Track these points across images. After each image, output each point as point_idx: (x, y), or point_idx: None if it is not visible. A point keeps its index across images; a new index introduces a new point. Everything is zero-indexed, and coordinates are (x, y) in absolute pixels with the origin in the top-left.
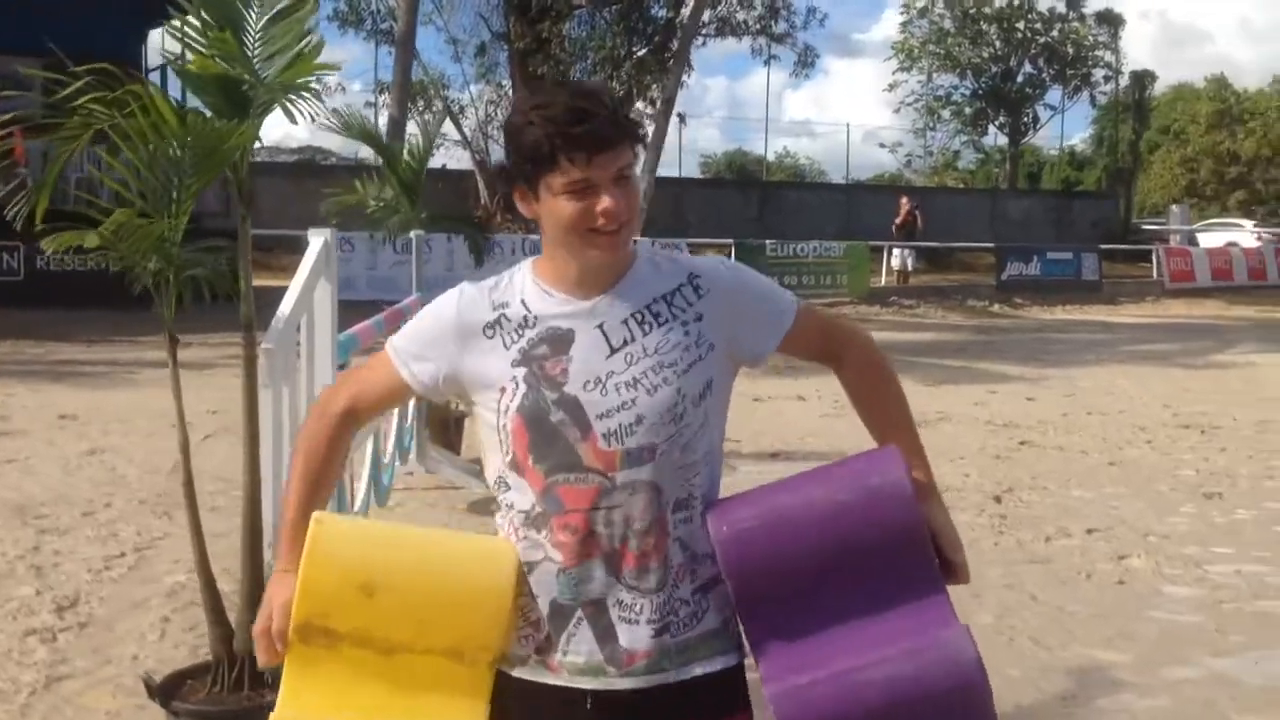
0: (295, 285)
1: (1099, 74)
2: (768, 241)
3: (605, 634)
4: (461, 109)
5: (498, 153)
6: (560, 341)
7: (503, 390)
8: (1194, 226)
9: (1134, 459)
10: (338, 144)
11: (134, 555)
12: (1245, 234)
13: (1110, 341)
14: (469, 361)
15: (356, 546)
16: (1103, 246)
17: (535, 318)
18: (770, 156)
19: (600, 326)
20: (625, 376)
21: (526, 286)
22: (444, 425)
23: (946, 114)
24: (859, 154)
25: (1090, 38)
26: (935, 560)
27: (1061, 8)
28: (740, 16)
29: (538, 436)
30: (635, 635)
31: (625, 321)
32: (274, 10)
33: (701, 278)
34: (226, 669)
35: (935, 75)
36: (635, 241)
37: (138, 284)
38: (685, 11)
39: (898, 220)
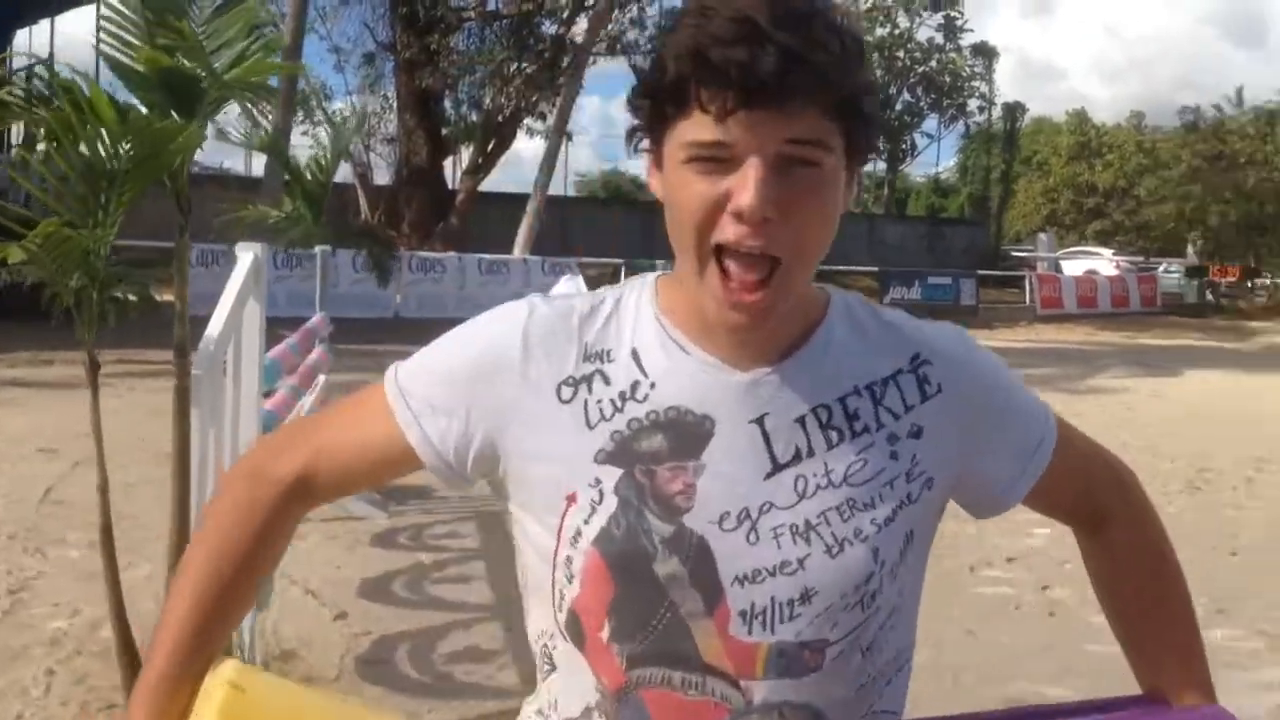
0: (224, 305)
1: (974, 104)
2: (658, 262)
3: None
4: (344, 119)
5: (380, 165)
6: (691, 437)
7: (572, 499)
8: (1057, 254)
9: None
10: (223, 155)
11: (7, 598)
12: (1104, 262)
13: None
14: (526, 436)
15: None
16: (980, 272)
17: (652, 385)
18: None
19: (760, 421)
20: (793, 517)
21: (644, 326)
22: None
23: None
24: None
25: (967, 69)
26: None
27: (940, 39)
28: (631, 36)
29: (628, 594)
30: None
31: (802, 420)
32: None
33: (934, 365)
34: None
35: None
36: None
37: (59, 303)
38: (576, 29)
39: None
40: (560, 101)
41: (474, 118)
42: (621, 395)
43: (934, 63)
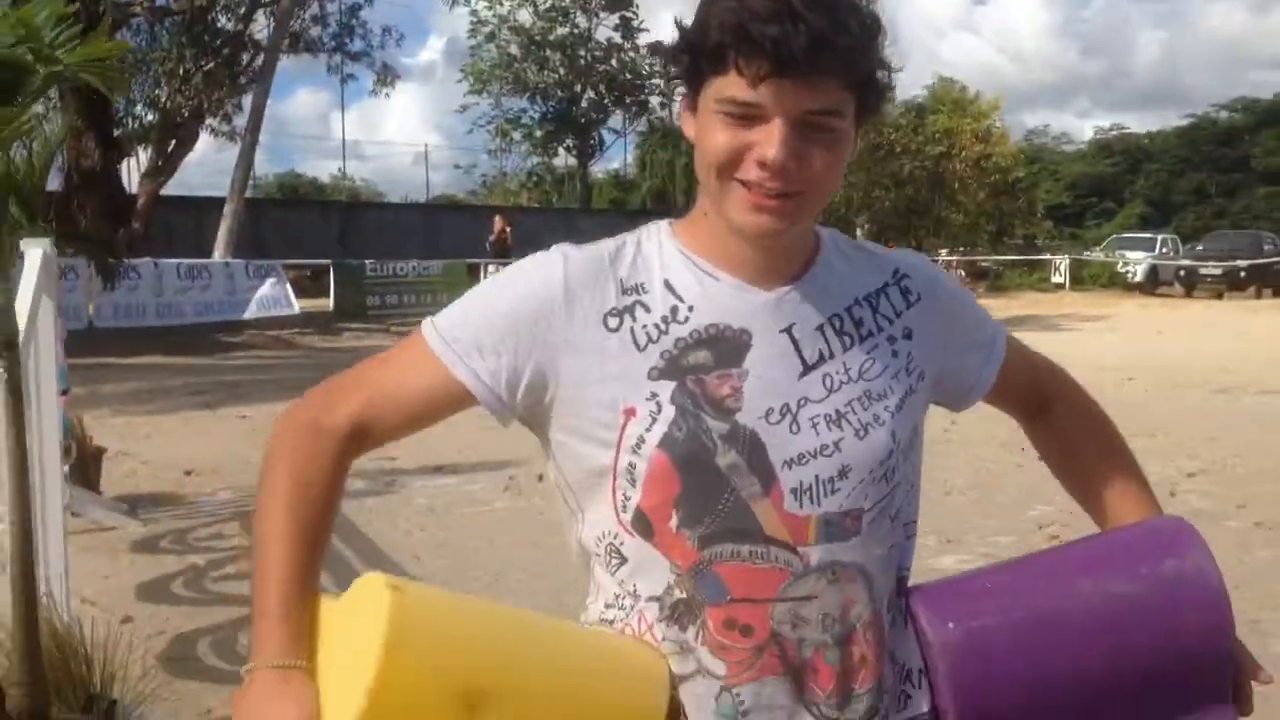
0: (21, 304)
1: (655, 101)
2: (367, 261)
3: None
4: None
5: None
6: (731, 348)
7: (630, 412)
8: None
9: None
10: None
11: None
12: None
13: None
14: (575, 364)
15: (462, 632)
16: None
17: (690, 309)
18: (325, 178)
19: (789, 331)
20: (825, 409)
21: (670, 261)
22: (82, 462)
23: (518, 135)
24: (411, 175)
25: (646, 66)
26: (1229, 682)
27: (619, 38)
28: (314, 33)
29: (694, 486)
30: None
31: (821, 328)
32: None
33: (911, 278)
34: None
35: (505, 98)
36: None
37: None
38: (255, 26)
39: (492, 238)
40: (253, 99)
41: (150, 118)
42: (664, 319)
43: (614, 61)
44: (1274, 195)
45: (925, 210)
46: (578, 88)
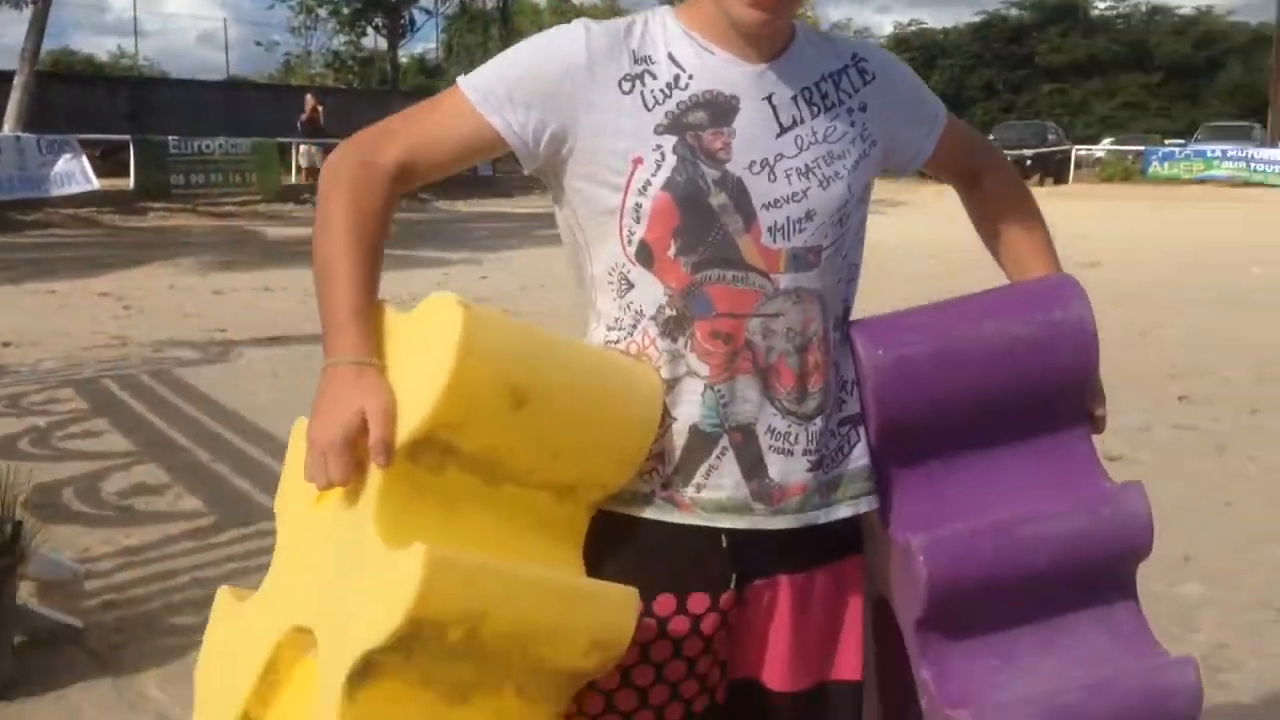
0: None
1: None
2: (170, 139)
3: (754, 466)
4: None
5: None
6: (723, 110)
7: (638, 161)
8: None
9: None
10: None
11: None
12: None
13: (521, 229)
14: (593, 119)
15: (512, 344)
16: None
17: (690, 77)
18: (103, 56)
19: (769, 99)
20: (797, 163)
21: (673, 38)
22: None
23: (324, 13)
24: (197, 54)
25: None
26: (1089, 409)
27: None
28: None
29: (690, 221)
30: (789, 467)
31: (795, 98)
32: None
33: (868, 61)
34: None
35: None
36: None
37: None
38: None
39: (304, 117)
40: None
41: None
42: (669, 85)
43: None
44: (1057, 91)
45: None
46: None
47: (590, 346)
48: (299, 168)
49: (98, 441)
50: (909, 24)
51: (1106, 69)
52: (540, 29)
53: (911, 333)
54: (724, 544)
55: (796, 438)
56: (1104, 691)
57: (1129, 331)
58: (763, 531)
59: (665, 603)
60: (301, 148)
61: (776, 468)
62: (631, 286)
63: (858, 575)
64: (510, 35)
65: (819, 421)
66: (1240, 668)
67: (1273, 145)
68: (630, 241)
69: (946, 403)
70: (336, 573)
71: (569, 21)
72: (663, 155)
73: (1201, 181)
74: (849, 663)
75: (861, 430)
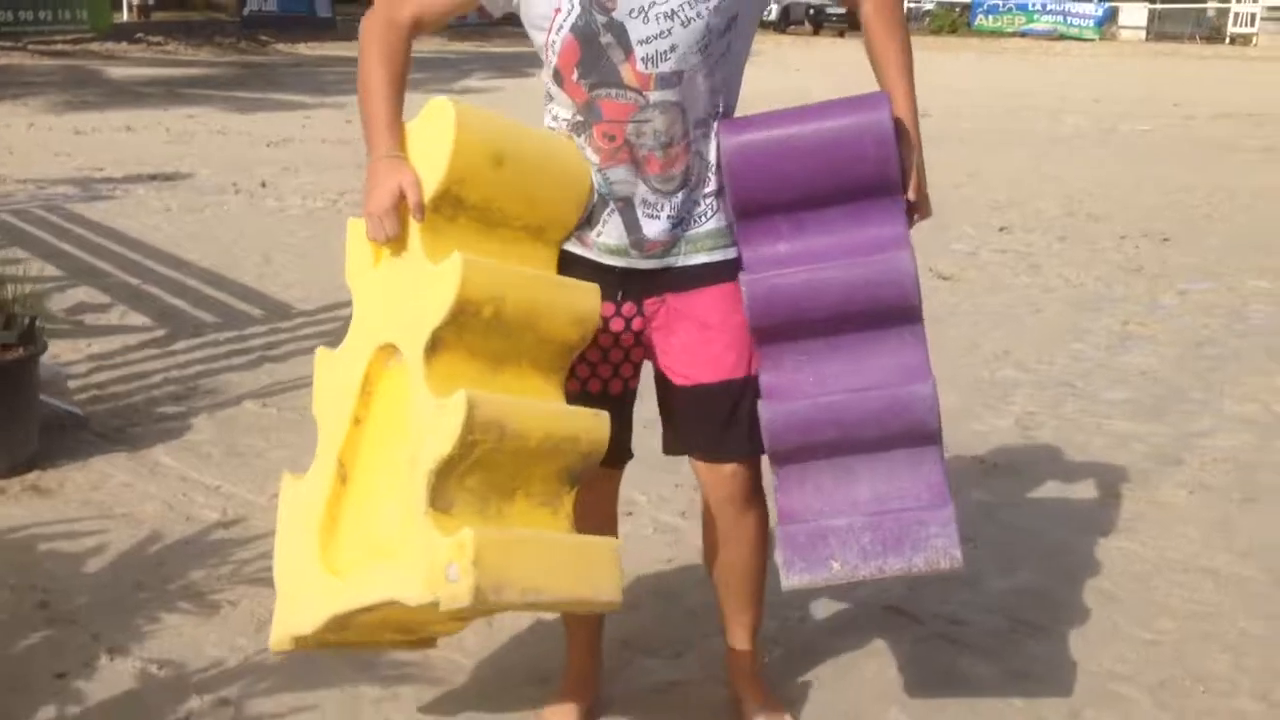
0: None
1: None
2: None
3: (632, 225)
4: None
5: None
6: None
7: (558, 10)
8: None
9: None
10: None
11: None
12: None
13: None
14: None
15: (488, 124)
16: None
17: None
18: None
19: None
20: (664, 8)
21: None
22: None
23: None
24: None
25: None
26: (901, 194)
27: None
28: None
29: (587, 55)
30: (656, 228)
31: None
32: None
33: None
34: None
35: None
36: None
37: None
38: None
39: None
40: None
41: None
42: None
43: None
44: None
45: None
46: None
47: (547, 131)
48: (131, 5)
49: (25, 267)
50: None
51: None
52: None
53: (753, 127)
54: (615, 274)
55: (662, 206)
56: (863, 396)
57: (958, 173)
58: (636, 270)
59: None
60: None
61: (648, 227)
62: (552, 99)
63: (726, 301)
64: None
65: (680, 195)
66: (1044, 427)
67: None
68: (548, 68)
69: (779, 178)
70: (400, 297)
71: None
72: (572, 5)
73: (1023, 35)
74: (728, 364)
75: (721, 200)
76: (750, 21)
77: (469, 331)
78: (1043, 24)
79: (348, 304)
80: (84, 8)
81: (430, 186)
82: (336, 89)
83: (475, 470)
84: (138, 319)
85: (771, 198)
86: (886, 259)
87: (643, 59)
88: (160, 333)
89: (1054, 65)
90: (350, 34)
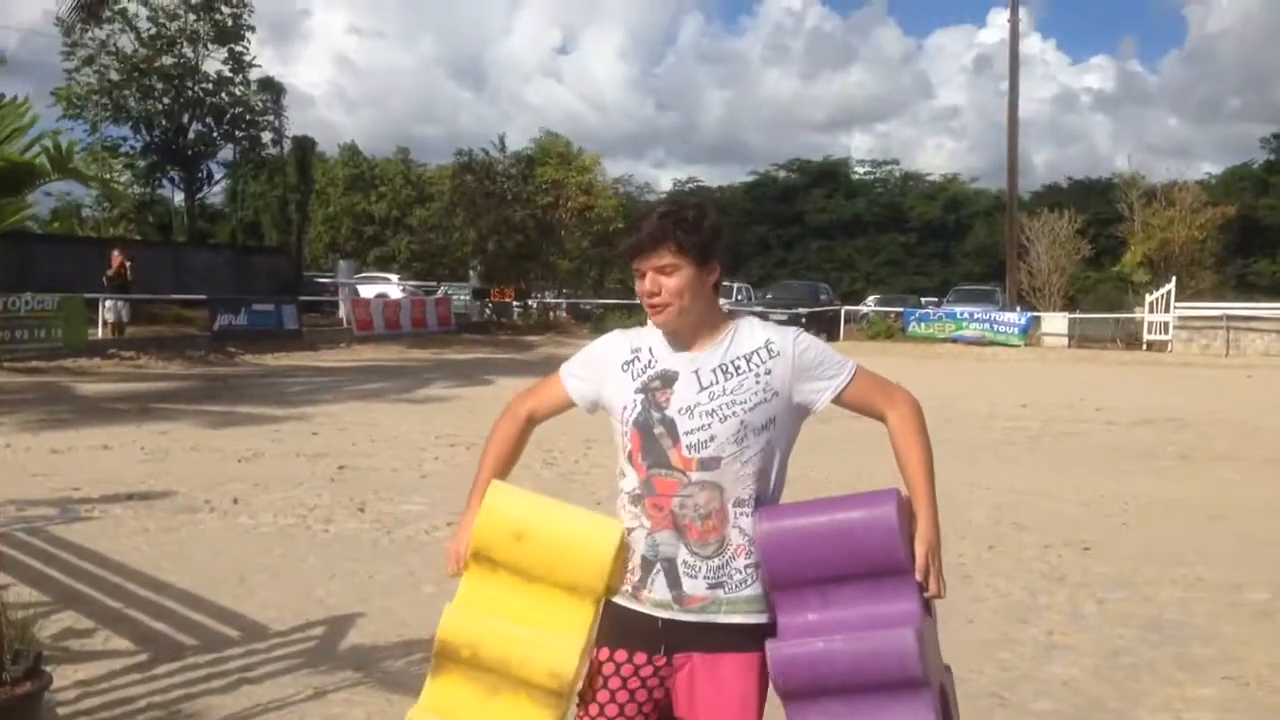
0: None
1: (266, 136)
2: None
3: (674, 581)
4: None
5: None
6: (669, 378)
7: (625, 407)
8: (354, 280)
9: (439, 471)
10: None
11: None
12: (393, 287)
13: (334, 384)
14: (608, 386)
15: (516, 508)
16: (303, 298)
17: (655, 360)
18: None
19: (696, 372)
20: (707, 407)
21: (655, 338)
22: None
23: (119, 165)
24: None
25: (259, 103)
26: (912, 574)
27: (228, 72)
28: None
29: (645, 442)
30: (694, 586)
31: (715, 370)
32: None
33: (774, 343)
34: None
35: (102, 125)
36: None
37: None
38: None
39: (110, 271)
40: None
41: None
42: (645, 366)
43: (224, 95)
44: (824, 249)
45: (535, 255)
46: (185, 118)
47: (571, 507)
48: (105, 322)
49: (10, 594)
50: (686, 181)
51: (868, 228)
52: (332, 182)
53: (782, 515)
54: (659, 625)
55: (699, 568)
56: None
57: (892, 479)
58: (678, 621)
59: (621, 654)
60: (108, 303)
61: (688, 585)
62: (624, 476)
63: (751, 669)
64: (310, 189)
65: (715, 560)
66: None
67: (1011, 309)
68: (624, 450)
69: (803, 559)
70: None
71: (363, 175)
72: (635, 404)
73: (954, 340)
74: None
75: (759, 571)
76: (790, 423)
77: (457, 664)
78: (971, 331)
79: (320, 623)
80: (59, 326)
81: (469, 548)
82: (303, 399)
83: None
84: (121, 643)
85: (798, 575)
86: (889, 635)
87: (687, 446)
88: (143, 657)
89: (984, 370)
90: (315, 342)
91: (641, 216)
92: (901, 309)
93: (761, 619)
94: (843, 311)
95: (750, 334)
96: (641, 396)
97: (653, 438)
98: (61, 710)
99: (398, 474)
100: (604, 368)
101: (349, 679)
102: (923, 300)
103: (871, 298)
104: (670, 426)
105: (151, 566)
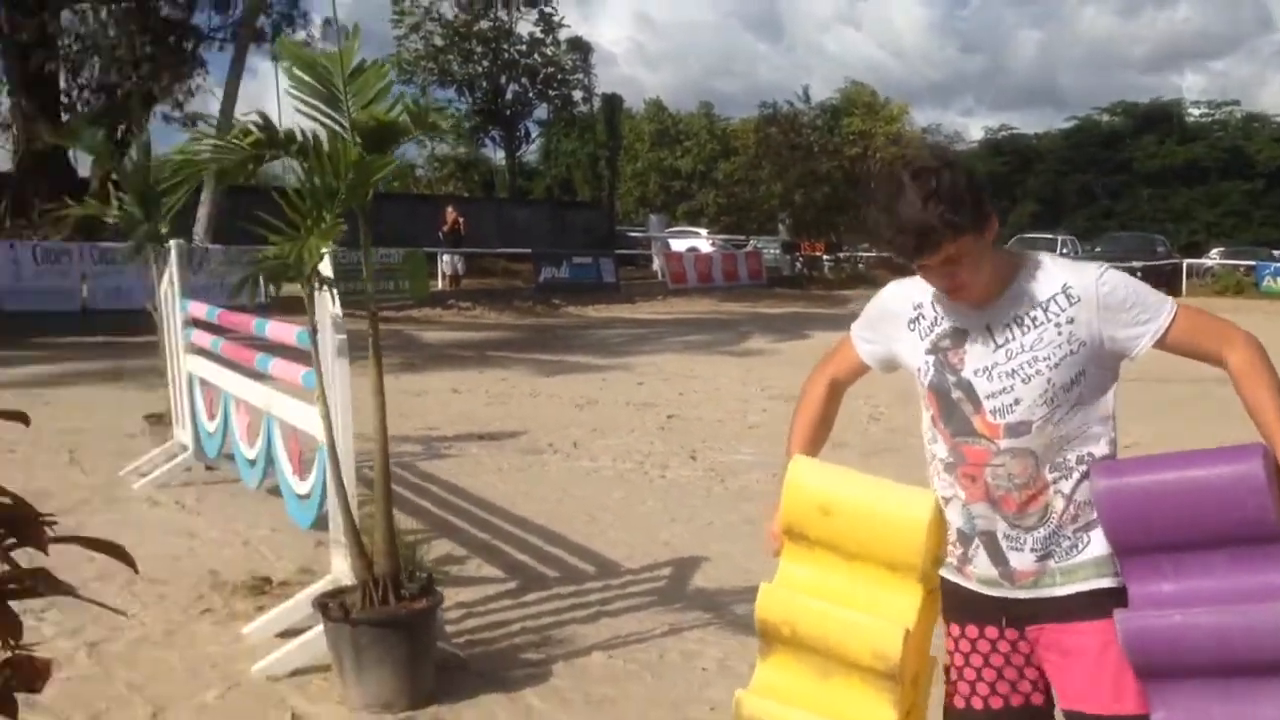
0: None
1: (577, 95)
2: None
3: (997, 557)
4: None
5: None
6: (960, 336)
7: (918, 369)
8: (665, 234)
9: (765, 422)
10: None
11: None
12: (702, 240)
13: (653, 335)
14: (898, 346)
15: (819, 482)
16: (618, 252)
17: (941, 317)
18: None
19: (988, 327)
20: (1006, 367)
21: (930, 293)
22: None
23: (445, 126)
24: None
25: (569, 62)
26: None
27: (539, 33)
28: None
29: (943, 407)
30: (1021, 559)
31: (1007, 324)
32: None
33: (1073, 287)
34: (374, 588)
35: (430, 89)
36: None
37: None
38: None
39: (445, 228)
40: (226, 84)
41: (100, 100)
42: (931, 324)
43: (537, 56)
44: (1157, 197)
45: (844, 207)
46: (502, 80)
47: (879, 480)
48: (443, 274)
49: (399, 521)
50: (999, 129)
51: (1208, 175)
52: (639, 138)
53: (1125, 472)
54: (992, 602)
55: (1024, 540)
56: None
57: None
58: (1010, 599)
59: (971, 629)
60: (445, 256)
61: (1014, 559)
62: (935, 440)
63: (1105, 635)
64: (619, 146)
65: (1041, 530)
66: None
67: None
68: (929, 413)
69: (1151, 521)
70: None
71: (668, 130)
72: (928, 365)
73: None
74: (1104, 698)
75: (1096, 533)
76: (1102, 376)
77: (782, 644)
78: None
79: (667, 564)
80: (406, 279)
81: (779, 524)
82: (625, 350)
83: None
84: (492, 571)
85: (1144, 539)
86: (1265, 608)
87: (991, 411)
88: (512, 584)
89: None
90: (632, 295)
91: (891, 198)
92: (1253, 262)
93: (1107, 583)
94: (1184, 265)
95: (1044, 277)
96: (933, 358)
97: (951, 403)
98: (448, 629)
99: (723, 424)
100: (888, 326)
101: (700, 619)
102: (1276, 254)
103: (1215, 250)
104: (969, 390)
105: (507, 502)
